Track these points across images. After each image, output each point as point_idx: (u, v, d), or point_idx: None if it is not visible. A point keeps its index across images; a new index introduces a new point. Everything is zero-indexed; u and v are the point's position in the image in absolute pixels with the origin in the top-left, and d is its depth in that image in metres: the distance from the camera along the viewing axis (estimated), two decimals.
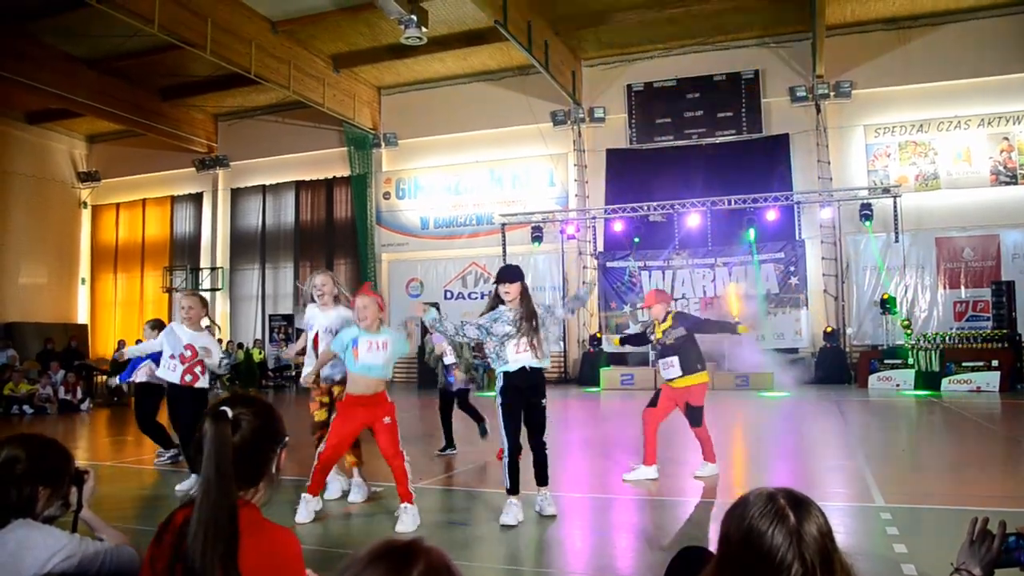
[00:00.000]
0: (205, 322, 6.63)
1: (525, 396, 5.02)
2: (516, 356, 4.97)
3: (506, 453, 4.99)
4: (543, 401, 5.08)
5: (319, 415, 5.81)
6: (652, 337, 6.49)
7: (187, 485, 6.27)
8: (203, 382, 6.27)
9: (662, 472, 6.38)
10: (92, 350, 22.23)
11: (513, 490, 4.96)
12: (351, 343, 5.07)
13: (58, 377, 14.42)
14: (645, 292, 17.39)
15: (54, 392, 14.04)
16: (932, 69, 16.31)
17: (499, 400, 5.02)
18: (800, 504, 1.47)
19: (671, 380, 6.35)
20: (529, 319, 5.00)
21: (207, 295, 22.03)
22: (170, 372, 6.18)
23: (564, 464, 7.04)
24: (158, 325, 7.61)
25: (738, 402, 13.18)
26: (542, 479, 5.06)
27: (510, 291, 5.03)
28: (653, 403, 6.43)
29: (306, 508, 5.01)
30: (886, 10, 16.20)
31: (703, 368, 6.39)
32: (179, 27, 13.91)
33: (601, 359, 16.98)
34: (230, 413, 1.75)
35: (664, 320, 6.40)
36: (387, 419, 5.04)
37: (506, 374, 5.01)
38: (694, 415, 6.32)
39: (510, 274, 5.10)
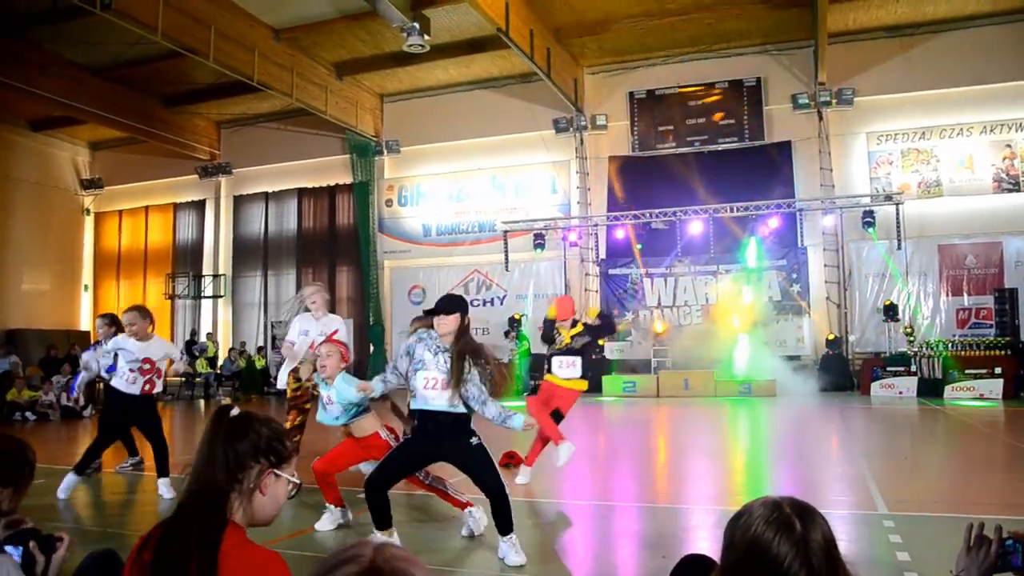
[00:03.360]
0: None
1: (439, 443, 4.27)
2: (423, 392, 4.23)
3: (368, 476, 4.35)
4: (472, 441, 4.23)
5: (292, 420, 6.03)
6: (558, 341, 6.58)
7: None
8: (159, 387, 6.48)
9: (664, 477, 6.36)
10: None
11: (376, 525, 4.27)
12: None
13: (63, 380, 14.40)
14: (647, 299, 17.60)
15: (56, 399, 14.04)
16: (934, 76, 16.31)
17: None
18: (805, 512, 1.46)
19: (567, 379, 6.50)
20: (458, 358, 4.17)
21: (209, 301, 22.09)
22: (130, 384, 6.23)
23: (566, 471, 7.02)
24: (113, 321, 7.51)
25: (743, 409, 13.15)
26: (502, 528, 4.24)
27: (445, 324, 4.22)
28: (533, 392, 6.73)
29: (329, 517, 5.00)
30: (888, 18, 16.22)
31: (589, 377, 6.64)
32: (182, 35, 13.95)
33: (604, 367, 16.93)
34: (235, 410, 1.80)
35: (573, 326, 6.58)
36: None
37: (415, 412, 4.33)
38: (558, 416, 6.49)
39: (447, 304, 4.26)
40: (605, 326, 6.90)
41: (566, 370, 6.50)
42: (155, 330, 6.51)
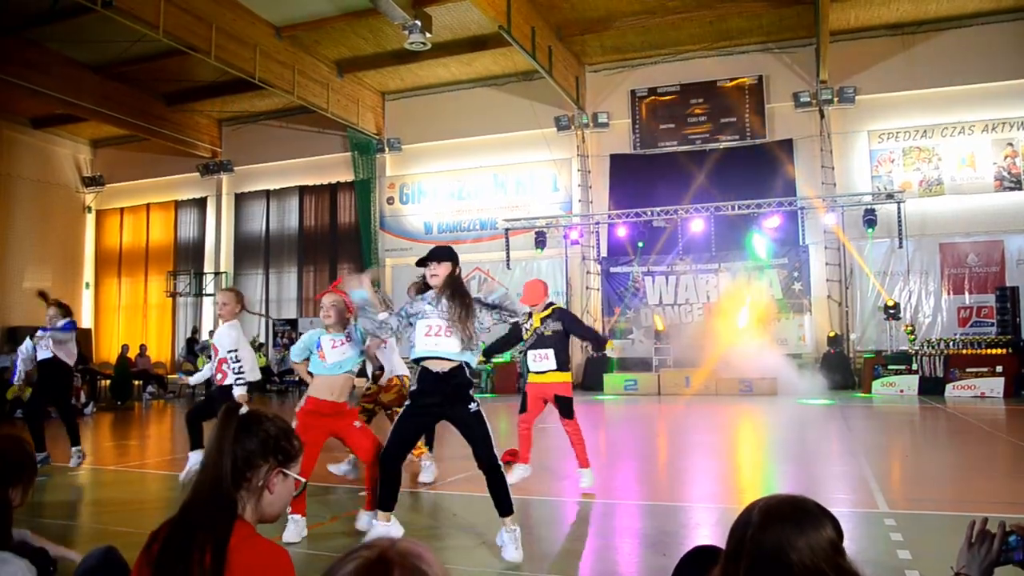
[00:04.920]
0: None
1: (439, 405, 4.24)
2: (424, 340, 4.18)
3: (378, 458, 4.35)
4: (471, 407, 4.19)
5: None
6: (528, 326, 6.21)
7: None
8: (229, 378, 6.11)
9: (666, 477, 6.36)
10: (96, 354, 22.27)
11: (380, 505, 4.29)
12: (315, 346, 4.85)
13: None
14: (648, 298, 17.60)
15: None
16: (936, 75, 16.30)
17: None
18: (805, 512, 1.47)
19: (541, 373, 6.14)
20: (454, 300, 4.17)
21: (210, 299, 22.09)
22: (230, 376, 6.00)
23: (567, 470, 7.02)
24: (67, 312, 7.68)
25: (745, 407, 13.16)
26: (502, 507, 4.17)
27: (437, 272, 4.24)
28: (523, 409, 6.30)
29: (295, 527, 4.64)
30: (890, 16, 16.21)
31: (570, 369, 6.29)
32: (184, 32, 13.96)
33: (605, 365, 16.95)
34: (243, 409, 1.82)
35: (544, 310, 6.21)
36: (357, 423, 4.84)
37: (419, 369, 4.28)
38: (566, 406, 6.14)
39: (438, 253, 4.30)
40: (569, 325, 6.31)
41: (539, 363, 6.11)
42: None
